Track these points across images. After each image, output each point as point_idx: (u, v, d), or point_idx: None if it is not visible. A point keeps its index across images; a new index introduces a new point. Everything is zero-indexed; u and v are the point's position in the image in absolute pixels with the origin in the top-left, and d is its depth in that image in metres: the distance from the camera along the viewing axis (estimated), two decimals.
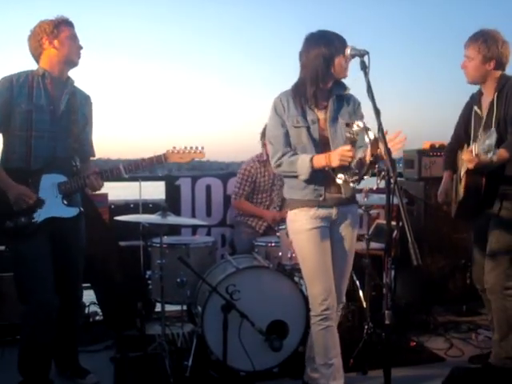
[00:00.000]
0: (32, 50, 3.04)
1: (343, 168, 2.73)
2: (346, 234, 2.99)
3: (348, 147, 2.66)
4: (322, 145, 2.89)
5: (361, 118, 3.00)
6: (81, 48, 3.09)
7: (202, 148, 3.16)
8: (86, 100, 3.20)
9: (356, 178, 2.74)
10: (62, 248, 3.08)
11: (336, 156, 2.71)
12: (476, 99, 3.37)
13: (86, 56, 3.16)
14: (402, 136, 2.55)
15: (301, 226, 2.91)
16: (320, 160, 2.79)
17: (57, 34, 2.99)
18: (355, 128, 2.58)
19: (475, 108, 3.34)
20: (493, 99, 3.19)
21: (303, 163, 2.82)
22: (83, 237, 3.23)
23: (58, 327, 3.08)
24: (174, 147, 3.12)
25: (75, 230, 3.15)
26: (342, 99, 2.99)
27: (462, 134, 3.50)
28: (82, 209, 3.16)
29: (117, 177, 3.10)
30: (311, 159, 2.80)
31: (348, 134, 2.63)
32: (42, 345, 2.99)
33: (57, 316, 2.99)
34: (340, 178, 2.74)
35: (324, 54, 2.81)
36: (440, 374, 3.30)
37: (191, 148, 3.14)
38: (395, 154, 2.53)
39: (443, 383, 3.23)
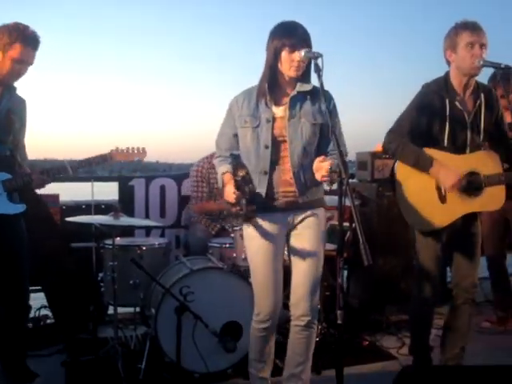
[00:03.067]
0: None
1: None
2: (305, 240, 2.81)
3: (233, 190, 2.59)
4: (277, 144, 2.71)
5: (338, 120, 2.80)
6: (24, 72, 2.94)
7: (143, 148, 3.29)
8: (22, 104, 3.09)
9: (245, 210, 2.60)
10: (3, 248, 2.97)
11: (226, 193, 2.70)
12: (452, 92, 3.03)
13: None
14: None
15: (253, 231, 2.77)
16: (225, 180, 2.77)
17: (8, 49, 2.83)
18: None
19: (456, 103, 3.01)
20: (479, 98, 3.03)
21: (219, 174, 2.83)
22: (25, 236, 3.11)
23: (5, 331, 3.01)
24: (117, 147, 3.20)
25: (17, 228, 3.04)
26: (304, 96, 2.74)
27: (424, 129, 3.05)
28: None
29: (64, 175, 3.13)
30: (223, 173, 2.77)
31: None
32: None
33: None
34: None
35: (275, 47, 2.65)
36: (392, 373, 3.35)
37: (133, 148, 3.26)
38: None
39: (394, 382, 3.28)
